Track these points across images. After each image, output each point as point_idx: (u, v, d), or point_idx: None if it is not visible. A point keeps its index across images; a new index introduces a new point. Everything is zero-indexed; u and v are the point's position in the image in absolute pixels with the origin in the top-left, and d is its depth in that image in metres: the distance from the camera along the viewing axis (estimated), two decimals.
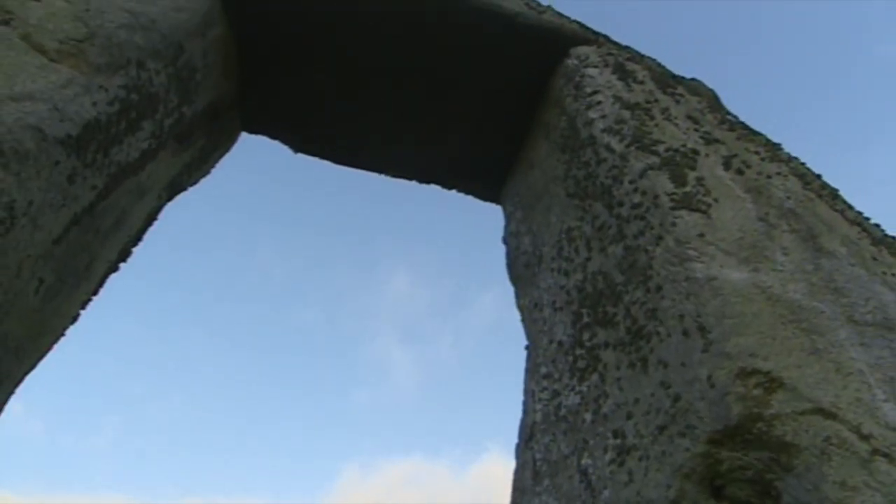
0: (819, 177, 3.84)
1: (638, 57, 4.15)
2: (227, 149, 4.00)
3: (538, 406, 2.63)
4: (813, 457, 1.40)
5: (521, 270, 3.76)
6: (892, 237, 3.34)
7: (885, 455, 1.39)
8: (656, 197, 2.24)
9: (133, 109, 2.32)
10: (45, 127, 1.79)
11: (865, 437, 1.42)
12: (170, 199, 3.27)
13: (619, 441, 1.88)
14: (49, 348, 2.29)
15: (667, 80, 3.68)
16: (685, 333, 1.77)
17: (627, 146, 2.66)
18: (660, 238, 2.09)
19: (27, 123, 1.73)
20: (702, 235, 2.02)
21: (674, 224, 2.08)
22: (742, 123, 4.09)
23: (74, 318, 2.44)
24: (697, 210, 2.14)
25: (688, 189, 2.26)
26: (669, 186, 2.27)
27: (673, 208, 2.14)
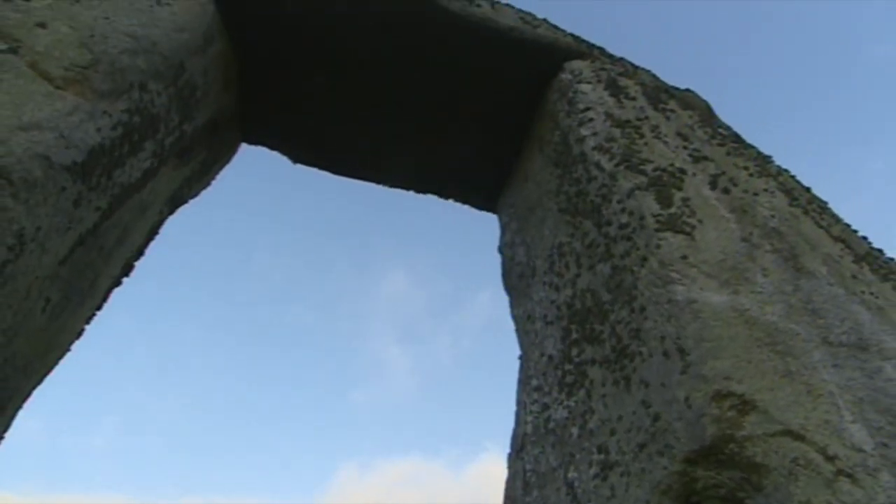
0: (808, 190, 3.92)
1: (631, 71, 4.21)
2: (227, 160, 4.08)
3: (529, 418, 2.71)
4: (781, 477, 1.47)
5: (516, 281, 3.83)
6: (877, 250, 3.42)
7: (849, 475, 1.46)
8: (642, 218, 2.32)
9: (135, 132, 2.40)
10: (52, 155, 1.87)
11: (831, 459, 1.50)
12: (171, 212, 3.35)
13: (602, 456, 1.96)
14: (55, 364, 2.37)
15: (659, 94, 3.75)
16: (666, 355, 1.84)
17: (616, 165, 2.73)
18: (644, 259, 2.17)
19: (35, 153, 1.81)
20: (685, 258, 2.09)
21: (658, 246, 2.15)
22: (734, 135, 4.16)
23: (79, 334, 2.52)
24: (682, 232, 2.21)
25: (673, 210, 2.33)
26: (655, 207, 2.34)
27: (658, 230, 2.22)
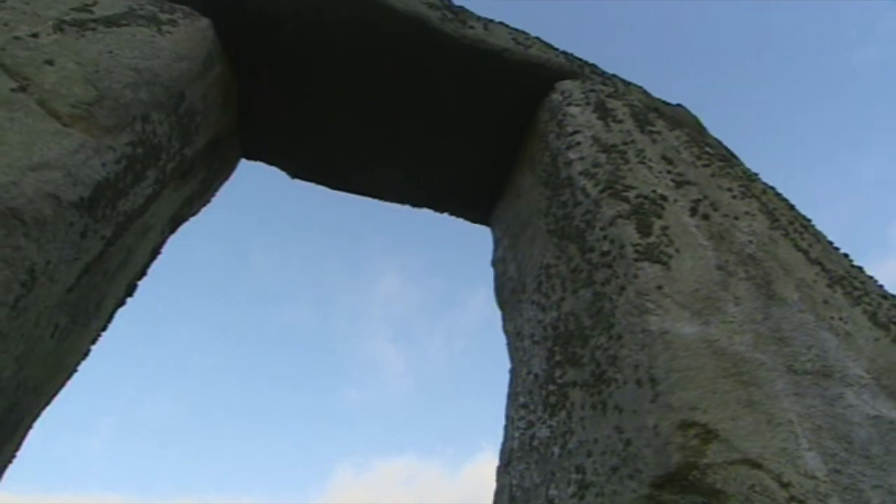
0: (792, 208, 4.02)
1: (622, 90, 4.32)
2: (227, 177, 4.19)
3: (516, 434, 2.83)
4: (738, 503, 1.59)
5: (508, 296, 3.94)
6: (856, 269, 3.52)
7: (801, 502, 1.58)
8: (622, 247, 2.43)
9: (138, 163, 2.51)
10: (61, 193, 1.98)
11: (785, 485, 1.61)
12: (172, 232, 3.46)
13: (580, 476, 2.07)
14: (63, 385, 2.49)
15: (647, 115, 3.86)
16: (638, 383, 1.96)
17: (601, 192, 2.84)
18: (623, 288, 2.28)
19: (45, 192, 1.92)
20: (660, 288, 2.20)
21: (636, 276, 2.26)
22: (722, 154, 4.26)
23: (86, 354, 2.64)
24: (659, 262, 2.32)
25: (652, 239, 2.44)
26: (635, 237, 2.45)
27: (636, 259, 2.33)
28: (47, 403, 2.42)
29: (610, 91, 4.02)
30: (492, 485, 2.96)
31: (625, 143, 3.30)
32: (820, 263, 3.01)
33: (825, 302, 2.57)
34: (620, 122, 3.56)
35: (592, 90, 3.90)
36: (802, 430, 1.79)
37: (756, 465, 1.65)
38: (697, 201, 2.94)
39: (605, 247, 2.53)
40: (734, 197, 3.35)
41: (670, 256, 2.37)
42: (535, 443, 2.52)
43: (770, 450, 1.69)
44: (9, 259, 1.74)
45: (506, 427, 3.19)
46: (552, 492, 2.22)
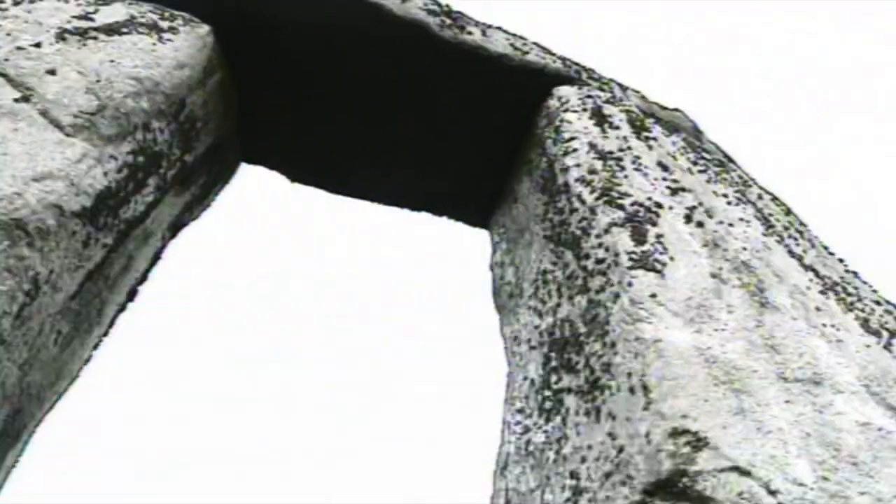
0: (789, 212, 4.05)
1: (619, 95, 4.35)
2: (227, 182, 4.22)
3: (512, 438, 2.86)
4: None
5: (505, 300, 3.98)
6: (851, 273, 3.55)
7: None
8: (617, 255, 2.46)
9: (140, 171, 2.55)
10: (64, 203, 2.02)
11: (773, 493, 1.65)
12: (173, 237, 3.49)
13: (574, 482, 2.11)
14: (66, 391, 2.53)
15: (643, 121, 3.89)
16: (631, 390, 1.99)
17: (597, 199, 2.88)
18: (617, 296, 2.31)
19: (49, 202, 1.96)
20: (654, 296, 2.23)
21: (630, 284, 2.30)
22: (718, 159, 4.30)
23: (88, 360, 2.68)
24: (653, 270, 2.35)
25: (646, 247, 2.48)
26: (629, 245, 2.48)
27: (630, 268, 2.36)
28: (50, 409, 2.46)
29: (607, 96, 4.05)
30: (488, 487, 3.00)
31: (621, 150, 3.33)
32: (814, 270, 3.05)
33: (818, 309, 2.60)
34: (617, 128, 3.59)
35: (589, 96, 3.93)
36: (792, 437, 1.83)
37: (745, 473, 1.68)
38: (692, 208, 2.97)
39: (601, 254, 2.57)
40: (729, 203, 3.38)
41: (664, 264, 2.40)
42: (531, 448, 2.56)
43: (759, 457, 1.73)
44: (13, 269, 1.77)
45: (502, 431, 3.22)
46: (547, 496, 2.25)
